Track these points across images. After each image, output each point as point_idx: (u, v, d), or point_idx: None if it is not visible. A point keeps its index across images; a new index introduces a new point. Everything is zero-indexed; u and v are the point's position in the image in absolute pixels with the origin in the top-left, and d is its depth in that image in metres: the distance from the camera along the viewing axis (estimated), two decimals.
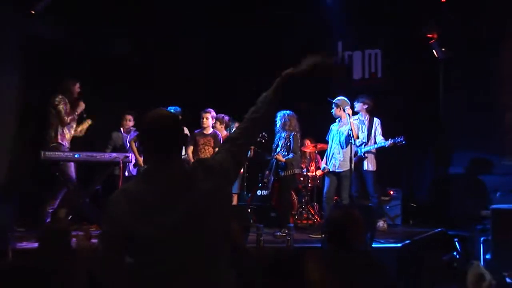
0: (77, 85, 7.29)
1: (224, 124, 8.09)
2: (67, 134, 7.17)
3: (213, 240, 2.37)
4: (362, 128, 7.92)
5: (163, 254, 2.28)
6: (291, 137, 7.53)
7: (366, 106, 7.98)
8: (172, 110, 7.14)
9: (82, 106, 7.27)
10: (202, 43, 9.65)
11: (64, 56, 8.16)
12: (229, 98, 9.10)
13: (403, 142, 7.49)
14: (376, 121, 7.93)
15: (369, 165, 7.84)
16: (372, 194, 7.92)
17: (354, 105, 7.98)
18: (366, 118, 7.95)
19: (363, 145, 7.82)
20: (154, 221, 2.27)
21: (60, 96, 7.08)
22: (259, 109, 2.69)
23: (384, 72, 9.90)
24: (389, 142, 7.57)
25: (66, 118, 7.06)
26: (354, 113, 7.95)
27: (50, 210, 7.04)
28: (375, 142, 7.82)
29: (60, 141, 7.07)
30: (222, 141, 2.70)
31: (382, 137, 7.80)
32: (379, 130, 7.89)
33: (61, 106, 7.03)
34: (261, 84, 9.97)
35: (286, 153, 7.56)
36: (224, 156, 2.54)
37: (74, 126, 7.30)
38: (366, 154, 7.82)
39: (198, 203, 2.33)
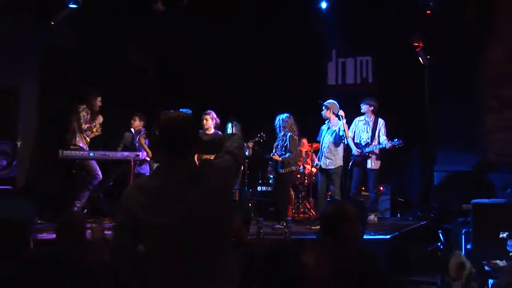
0: (99, 98, 7.51)
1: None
2: (85, 138, 7.29)
3: (215, 233, 2.39)
4: (367, 129, 7.96)
5: (169, 244, 2.30)
6: (287, 137, 7.55)
7: (372, 108, 7.99)
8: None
9: (100, 119, 7.51)
10: (204, 49, 9.69)
11: (79, 64, 8.20)
12: (229, 100, 9.18)
13: (402, 144, 7.60)
14: (381, 121, 7.94)
15: (372, 163, 7.89)
16: (371, 190, 7.98)
17: (361, 106, 8.04)
18: (371, 119, 7.97)
19: (366, 145, 7.86)
20: (162, 213, 2.30)
21: (84, 106, 7.33)
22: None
23: (375, 77, 9.95)
24: (389, 144, 7.65)
25: (84, 125, 7.25)
26: (361, 114, 8.03)
27: (77, 206, 7.13)
28: (379, 142, 7.85)
29: (78, 143, 7.18)
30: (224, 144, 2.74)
31: (385, 137, 7.82)
32: (383, 130, 7.90)
33: (82, 114, 7.22)
34: (259, 87, 10.00)
35: (284, 153, 7.59)
36: (226, 157, 2.59)
37: (90, 134, 7.41)
38: (369, 154, 7.86)
39: (203, 199, 2.35)
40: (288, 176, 7.73)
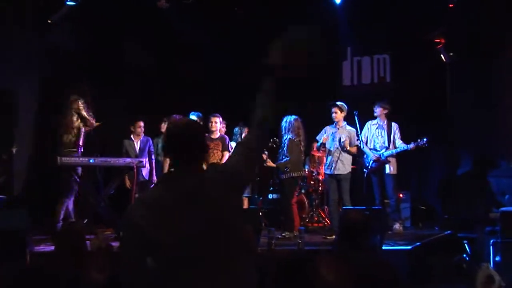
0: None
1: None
2: (82, 137, 7.14)
3: (226, 244, 2.35)
4: (381, 133, 7.91)
5: (180, 258, 2.29)
6: (286, 140, 7.40)
7: (386, 111, 7.94)
8: (194, 116, 7.19)
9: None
10: (210, 48, 9.68)
11: (79, 63, 8.21)
12: (236, 102, 9.14)
13: (426, 144, 7.47)
14: (394, 125, 7.91)
15: (390, 168, 7.83)
16: (391, 197, 7.90)
17: (374, 109, 7.97)
18: (385, 123, 7.93)
19: (384, 150, 7.78)
20: (170, 226, 2.28)
21: (81, 101, 7.05)
22: (258, 113, 2.64)
23: (393, 76, 9.86)
24: (412, 145, 7.54)
25: (92, 121, 7.06)
26: (373, 117, 7.98)
27: (63, 210, 6.93)
28: (395, 146, 7.78)
29: (80, 143, 7.03)
30: (236, 145, 2.72)
31: (401, 141, 7.78)
32: (398, 134, 7.87)
33: (84, 112, 7.01)
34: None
35: (284, 157, 7.46)
36: (238, 159, 2.54)
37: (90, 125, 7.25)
38: (389, 158, 7.78)
39: (212, 209, 2.33)
40: (289, 182, 7.52)
